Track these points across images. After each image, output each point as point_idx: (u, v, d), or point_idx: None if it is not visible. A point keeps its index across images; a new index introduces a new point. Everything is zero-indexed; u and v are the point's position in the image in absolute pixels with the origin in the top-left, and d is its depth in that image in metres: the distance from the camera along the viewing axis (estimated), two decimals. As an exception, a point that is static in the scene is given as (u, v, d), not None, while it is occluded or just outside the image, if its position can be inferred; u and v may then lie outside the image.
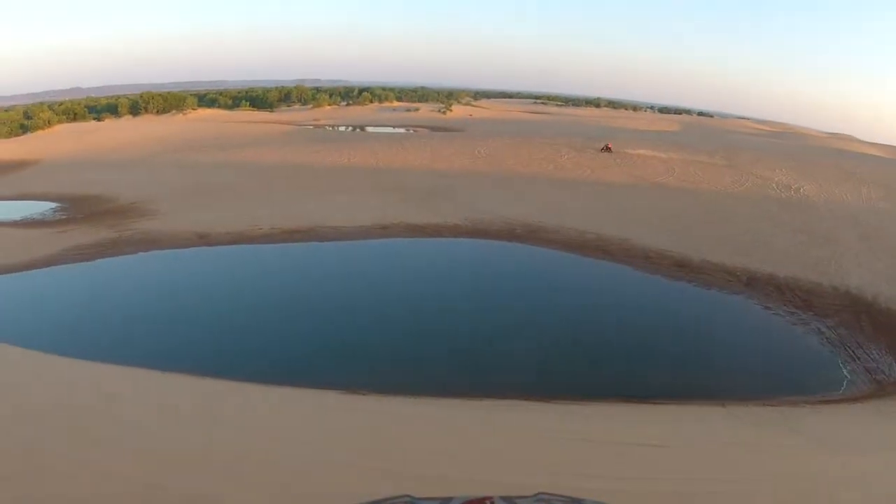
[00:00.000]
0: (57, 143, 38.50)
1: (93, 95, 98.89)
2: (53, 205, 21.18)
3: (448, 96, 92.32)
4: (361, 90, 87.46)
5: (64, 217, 19.33)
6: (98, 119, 59.24)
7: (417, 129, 42.67)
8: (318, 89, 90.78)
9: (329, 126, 46.99)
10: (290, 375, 7.77)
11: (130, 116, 64.30)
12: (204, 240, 15.42)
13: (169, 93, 75.82)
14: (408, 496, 0.87)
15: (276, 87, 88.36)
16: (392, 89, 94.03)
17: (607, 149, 26.24)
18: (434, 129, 42.44)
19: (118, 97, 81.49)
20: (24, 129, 48.95)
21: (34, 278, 12.97)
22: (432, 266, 13.60)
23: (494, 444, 5.48)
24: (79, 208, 20.35)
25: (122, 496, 3.75)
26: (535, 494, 0.87)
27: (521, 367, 8.53)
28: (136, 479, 4.00)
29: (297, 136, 38.62)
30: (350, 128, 45.77)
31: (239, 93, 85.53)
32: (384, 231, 15.58)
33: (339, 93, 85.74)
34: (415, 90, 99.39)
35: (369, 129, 44.30)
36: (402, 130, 42.44)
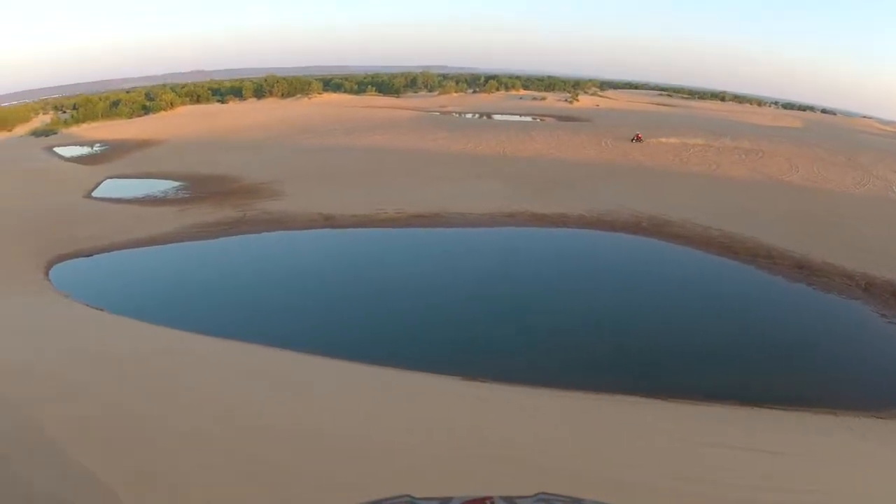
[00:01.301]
0: (180, 125, 48.60)
1: (216, 79, 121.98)
2: (177, 184, 27.26)
3: (574, 86, 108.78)
4: (488, 77, 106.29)
5: (187, 196, 24.82)
6: (222, 101, 72.21)
7: (544, 118, 51.88)
8: (444, 76, 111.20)
9: (456, 113, 57.11)
10: (409, 360, 10.22)
11: (255, 99, 77.71)
12: (329, 222, 19.40)
13: (294, 77, 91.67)
14: (408, 496, 1.10)
15: (402, 73, 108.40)
16: (519, 77, 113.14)
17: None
18: (560, 118, 50.89)
19: (242, 80, 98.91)
20: (146, 111, 61.19)
21: (157, 253, 17.57)
22: (557, 257, 16.75)
23: (613, 440, 6.95)
24: (202, 188, 26.01)
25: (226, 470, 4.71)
26: (535, 494, 1.10)
27: (633, 363, 10.75)
28: (262, 459, 4.94)
29: (424, 122, 46.19)
30: (477, 115, 56.02)
31: (364, 78, 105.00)
32: (510, 219, 19.31)
33: (466, 80, 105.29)
34: (541, 79, 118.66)
35: (496, 116, 54.06)
36: (528, 119, 51.38)
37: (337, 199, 22.00)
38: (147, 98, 74.52)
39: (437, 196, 21.64)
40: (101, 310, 12.52)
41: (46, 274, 15.84)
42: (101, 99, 74.84)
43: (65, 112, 76.87)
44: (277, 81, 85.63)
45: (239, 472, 4.67)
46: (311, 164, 29.55)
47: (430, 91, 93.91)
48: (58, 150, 42.65)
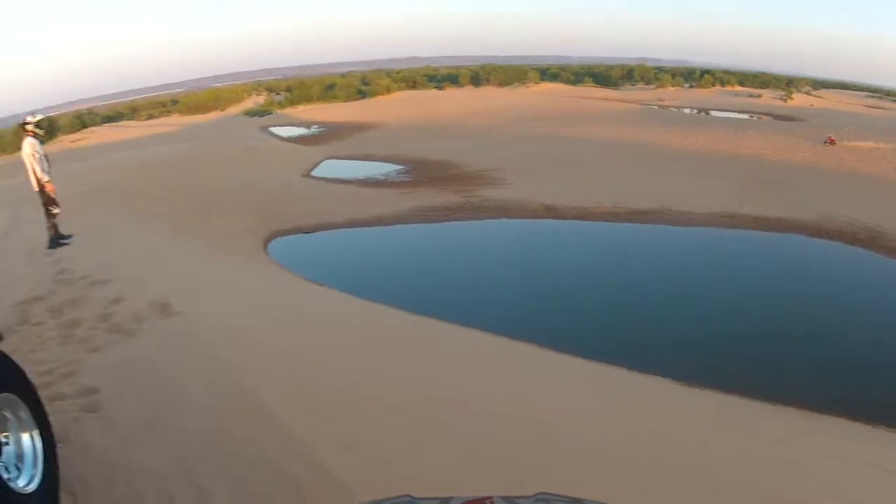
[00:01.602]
0: (397, 109, 51.30)
1: (431, 65, 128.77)
2: (398, 167, 28.65)
3: (788, 83, 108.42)
4: (703, 72, 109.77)
5: (409, 179, 26.02)
6: (439, 88, 75.44)
7: (760, 116, 54.04)
8: (660, 69, 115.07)
9: (673, 107, 60.02)
10: (623, 358, 9.91)
11: (472, 87, 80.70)
12: (551, 213, 19.77)
13: (510, 65, 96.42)
14: (408, 496, 1.11)
15: (619, 65, 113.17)
16: (734, 73, 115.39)
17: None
18: (776, 116, 51.91)
19: (458, 68, 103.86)
20: (361, 95, 65.23)
21: (377, 234, 18.50)
22: (776, 264, 16.58)
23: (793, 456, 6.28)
24: (423, 172, 27.07)
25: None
26: (535, 494, 1.10)
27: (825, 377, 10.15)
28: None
29: (642, 115, 47.47)
30: (694, 110, 58.96)
31: (581, 68, 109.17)
32: (729, 220, 19.19)
33: (682, 73, 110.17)
34: (755, 75, 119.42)
35: (713, 112, 56.51)
36: (745, 116, 53.37)
37: (558, 189, 22.22)
38: (362, 82, 79.38)
39: (657, 192, 21.58)
40: (320, 284, 12.88)
41: (265, 247, 16.73)
42: (315, 82, 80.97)
43: (278, 94, 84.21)
44: (494, 70, 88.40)
45: (452, 452, 4.74)
46: (532, 153, 29.93)
47: (646, 84, 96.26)
48: (274, 129, 46.21)
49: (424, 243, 18.30)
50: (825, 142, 31.81)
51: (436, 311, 11.32)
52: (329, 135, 42.47)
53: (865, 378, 10.22)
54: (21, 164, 11.27)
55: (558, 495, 1.12)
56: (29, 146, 10.54)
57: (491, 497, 1.04)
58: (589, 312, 12.66)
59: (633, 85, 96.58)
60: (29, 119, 11.01)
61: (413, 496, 1.11)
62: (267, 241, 17.26)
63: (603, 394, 7.94)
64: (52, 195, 10.78)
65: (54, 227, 11.00)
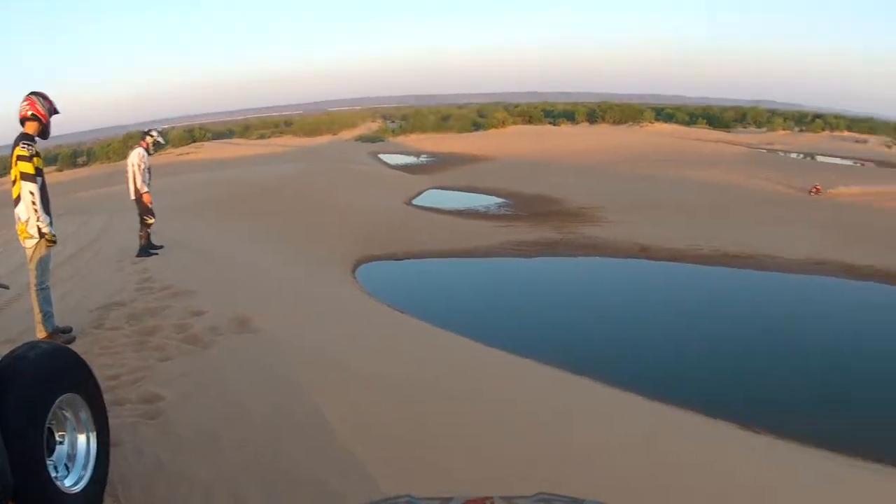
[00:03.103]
0: (510, 143, 51.72)
1: (549, 101, 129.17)
2: (499, 200, 29.14)
3: (895, 130, 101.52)
4: (815, 116, 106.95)
5: (508, 213, 26.42)
6: (554, 124, 75.34)
7: (864, 162, 53.74)
8: (773, 112, 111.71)
9: (782, 152, 59.51)
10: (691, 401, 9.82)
11: (587, 124, 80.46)
12: (645, 253, 19.79)
13: (627, 104, 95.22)
14: (408, 496, 1.12)
15: (733, 107, 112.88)
16: (844, 117, 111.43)
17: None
18: (878, 163, 51.17)
19: (576, 104, 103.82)
20: (476, 127, 66.21)
21: (467, 265, 19.00)
22: (863, 314, 16.12)
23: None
24: (525, 206, 27.34)
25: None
26: (535, 494, 1.10)
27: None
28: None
29: (751, 159, 46.72)
30: (801, 155, 58.90)
31: (696, 109, 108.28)
32: (819, 267, 18.98)
33: (793, 117, 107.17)
34: (864, 119, 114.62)
35: (818, 158, 56.28)
36: (848, 163, 52.99)
37: (656, 230, 22.39)
38: (479, 115, 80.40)
39: (753, 236, 21.69)
40: (403, 312, 13.08)
41: (353, 272, 17.19)
42: (431, 112, 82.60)
43: (393, 122, 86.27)
44: (610, 107, 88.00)
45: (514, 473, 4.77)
46: (636, 192, 30.08)
47: (758, 127, 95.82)
48: (383, 156, 47.49)
49: (512, 277, 18.54)
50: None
51: (508, 343, 11.28)
52: (437, 165, 43.31)
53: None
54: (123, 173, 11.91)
55: (558, 495, 1.12)
56: (137, 156, 11.15)
57: (491, 497, 1.06)
58: (668, 356, 12.64)
59: (746, 127, 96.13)
60: (154, 132, 11.81)
61: (413, 496, 1.13)
62: (357, 264, 17.76)
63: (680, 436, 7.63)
64: (149, 205, 11.31)
65: (147, 236, 11.59)
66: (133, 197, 11.27)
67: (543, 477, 4.90)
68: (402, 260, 18.79)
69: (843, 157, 56.45)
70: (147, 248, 11.57)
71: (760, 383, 11.42)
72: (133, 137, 61.39)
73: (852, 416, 10.28)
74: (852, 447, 8.74)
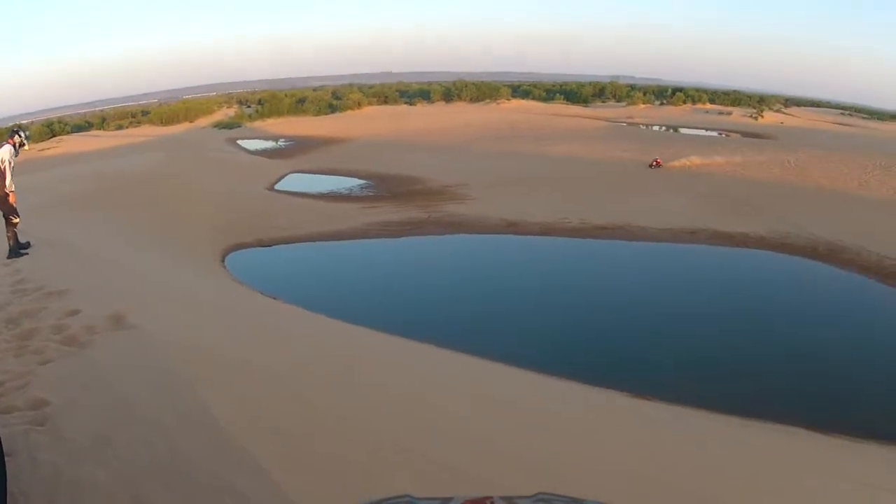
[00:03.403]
0: (367, 124, 51.66)
1: (404, 81, 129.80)
2: (361, 182, 29.18)
3: (759, 101, 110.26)
4: (675, 90, 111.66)
5: (372, 194, 26.51)
6: (410, 104, 76.01)
7: (729, 133, 55.11)
8: (632, 86, 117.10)
9: (643, 125, 60.53)
10: (578, 371, 10.35)
11: (443, 103, 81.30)
12: (512, 228, 20.29)
13: (482, 82, 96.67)
14: (408, 496, 1.13)
15: (591, 83, 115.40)
16: (705, 90, 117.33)
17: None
18: (745, 134, 53.31)
19: (430, 83, 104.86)
20: (332, 109, 65.63)
21: (336, 249, 18.90)
22: (738, 279, 17.12)
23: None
24: (387, 187, 27.56)
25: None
26: (535, 494, 1.10)
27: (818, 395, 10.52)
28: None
29: (612, 133, 47.97)
30: (663, 128, 60.41)
31: (553, 86, 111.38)
32: (691, 236, 19.90)
33: (653, 91, 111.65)
34: (727, 92, 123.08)
35: (682, 130, 58.13)
36: (713, 134, 54.50)
37: (521, 205, 22.90)
38: (334, 97, 79.98)
39: (622, 209, 22.39)
40: (274, 298, 13.03)
41: (222, 260, 16.93)
42: (286, 95, 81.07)
43: (249, 107, 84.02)
44: (466, 86, 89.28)
45: (417, 471, 4.70)
46: (498, 169, 30.76)
47: (618, 101, 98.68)
48: (241, 142, 46.31)
49: (382, 258, 18.77)
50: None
51: (386, 324, 11.60)
52: (296, 149, 42.69)
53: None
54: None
55: (558, 495, 1.12)
56: (7, 152, 10.54)
57: (491, 497, 1.05)
58: (546, 327, 12.95)
59: (605, 102, 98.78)
60: (22, 133, 11.07)
61: (413, 496, 1.13)
62: (225, 253, 17.47)
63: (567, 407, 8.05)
64: (14, 205, 10.74)
65: (14, 236, 10.95)
66: None
67: (414, 450, 5.09)
68: (269, 246, 18.59)
69: (707, 129, 58.95)
70: (16, 249, 10.91)
71: (642, 351, 11.83)
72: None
73: (731, 377, 10.91)
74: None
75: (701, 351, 12.02)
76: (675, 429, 8.21)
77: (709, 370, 11.20)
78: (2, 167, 10.51)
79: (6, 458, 3.59)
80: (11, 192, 10.69)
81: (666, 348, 12.01)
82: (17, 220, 10.94)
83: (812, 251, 18.75)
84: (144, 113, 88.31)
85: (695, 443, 7.65)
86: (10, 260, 10.63)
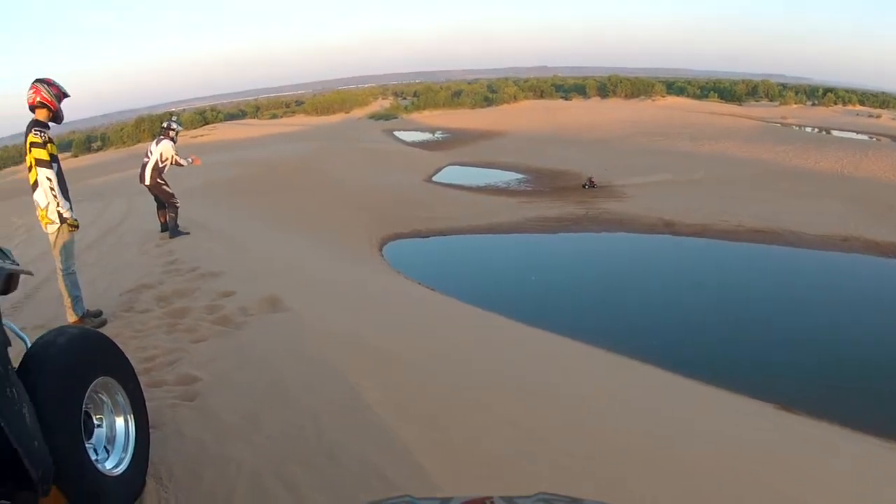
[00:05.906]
0: (523, 118, 51.76)
1: (559, 75, 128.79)
2: (519, 176, 29.31)
3: None
4: (826, 90, 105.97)
5: (529, 189, 26.50)
6: (566, 98, 75.66)
7: (879, 137, 51.73)
8: (784, 86, 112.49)
9: (796, 126, 58.43)
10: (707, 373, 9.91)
11: (598, 98, 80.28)
12: (670, 228, 19.80)
13: (637, 77, 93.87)
14: (408, 496, 1.11)
15: (744, 80, 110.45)
16: (855, 92, 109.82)
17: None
18: (893, 138, 49.09)
19: (586, 78, 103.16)
20: (487, 102, 66.31)
21: (499, 241, 19.03)
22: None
23: None
24: (545, 182, 27.45)
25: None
26: (535, 494, 1.08)
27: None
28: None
29: (767, 132, 46.15)
30: (815, 129, 58.10)
31: (707, 83, 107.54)
32: (844, 244, 18.83)
33: (805, 91, 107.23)
34: (875, 94, 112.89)
35: (834, 132, 55.41)
36: (864, 137, 50.91)
37: (679, 204, 22.37)
38: (489, 90, 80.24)
39: (776, 211, 21.61)
40: (431, 289, 13.08)
41: (381, 250, 17.18)
42: (442, 88, 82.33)
43: (404, 99, 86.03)
44: (621, 81, 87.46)
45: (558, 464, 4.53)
46: (653, 166, 30.05)
47: (770, 101, 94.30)
48: (397, 133, 47.34)
49: (538, 253, 18.48)
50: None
51: (544, 321, 11.27)
52: (452, 141, 43.38)
53: None
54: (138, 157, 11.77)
55: (558, 495, 1.10)
56: (171, 148, 11.13)
57: (491, 497, 1.05)
58: (696, 329, 12.61)
59: (758, 101, 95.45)
60: (175, 126, 11.70)
61: (413, 496, 1.11)
62: (383, 242, 17.72)
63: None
64: (170, 191, 11.30)
65: (173, 218, 11.43)
66: (148, 183, 11.15)
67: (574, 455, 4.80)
68: (427, 237, 18.79)
69: (858, 132, 55.63)
70: (177, 229, 11.43)
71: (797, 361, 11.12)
72: (144, 121, 61.52)
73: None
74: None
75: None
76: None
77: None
78: (172, 161, 11.16)
79: (151, 430, 3.66)
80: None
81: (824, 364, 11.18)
82: (178, 203, 11.49)
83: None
84: (299, 103, 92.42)
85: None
86: (163, 241, 11.10)
